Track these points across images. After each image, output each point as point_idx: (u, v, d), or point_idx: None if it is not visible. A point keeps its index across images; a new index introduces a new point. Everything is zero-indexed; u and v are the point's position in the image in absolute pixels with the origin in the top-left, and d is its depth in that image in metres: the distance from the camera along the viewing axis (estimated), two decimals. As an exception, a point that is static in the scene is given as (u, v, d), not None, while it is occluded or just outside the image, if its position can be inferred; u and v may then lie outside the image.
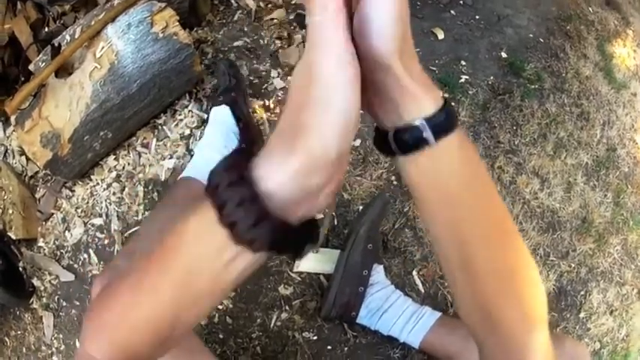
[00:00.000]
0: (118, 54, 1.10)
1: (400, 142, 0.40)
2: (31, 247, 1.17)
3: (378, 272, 1.07)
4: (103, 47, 1.12)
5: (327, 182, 0.34)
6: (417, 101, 0.39)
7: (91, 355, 0.43)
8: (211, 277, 0.37)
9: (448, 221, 0.43)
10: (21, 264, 1.15)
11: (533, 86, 1.39)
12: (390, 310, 1.03)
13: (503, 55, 1.43)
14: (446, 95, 1.33)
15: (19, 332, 1.14)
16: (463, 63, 1.39)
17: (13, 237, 1.13)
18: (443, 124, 0.39)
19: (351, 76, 0.33)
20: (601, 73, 1.48)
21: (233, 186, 0.33)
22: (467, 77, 1.37)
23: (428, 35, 1.39)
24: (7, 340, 1.14)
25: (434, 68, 1.36)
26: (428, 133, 0.39)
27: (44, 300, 1.13)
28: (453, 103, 0.39)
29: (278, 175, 0.32)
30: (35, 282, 1.14)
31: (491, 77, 1.39)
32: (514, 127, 1.33)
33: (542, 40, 1.51)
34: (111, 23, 1.12)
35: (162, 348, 0.44)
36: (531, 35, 1.52)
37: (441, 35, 1.40)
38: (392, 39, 0.36)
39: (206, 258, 0.36)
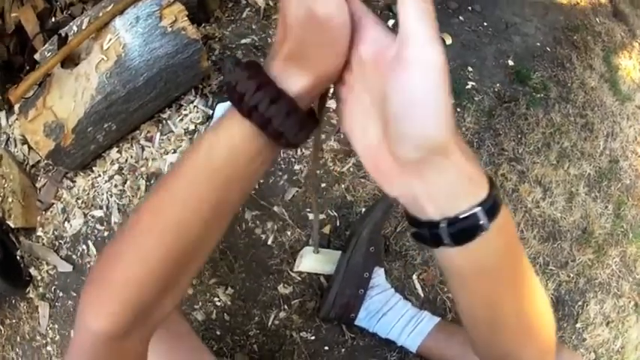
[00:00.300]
0: (126, 47, 1.09)
1: (453, 234, 0.36)
2: (30, 237, 1.16)
3: (379, 275, 1.07)
4: (110, 39, 1.11)
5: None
6: (475, 186, 0.36)
7: (92, 329, 0.42)
8: (245, 184, 0.42)
9: (485, 295, 0.42)
10: (19, 253, 1.14)
11: (538, 95, 1.39)
12: (389, 313, 1.03)
13: (510, 62, 1.43)
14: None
15: (14, 321, 1.13)
16: (470, 69, 1.39)
17: (12, 225, 1.12)
18: (495, 206, 0.36)
19: None
20: (606, 85, 1.48)
21: (262, 89, 0.37)
22: (473, 83, 1.37)
23: (436, 40, 1.39)
24: (1, 328, 1.13)
25: (440, 73, 1.36)
26: (484, 220, 0.36)
27: (41, 290, 1.12)
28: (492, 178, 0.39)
29: (302, 82, 0.38)
30: (32, 271, 1.13)
31: (498, 84, 1.39)
32: (518, 135, 1.33)
33: (549, 49, 1.51)
34: (119, 16, 1.11)
35: (173, 295, 0.45)
36: (538, 44, 1.52)
37: (449, 41, 1.40)
38: (448, 118, 0.33)
39: (241, 166, 0.40)
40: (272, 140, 0.39)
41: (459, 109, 1.32)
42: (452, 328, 1.02)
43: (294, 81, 0.37)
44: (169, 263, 0.42)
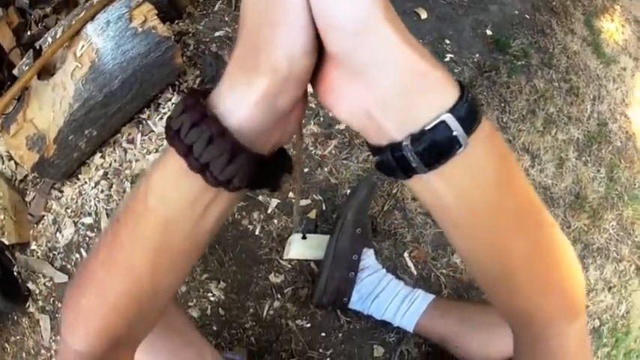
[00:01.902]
0: (98, 52, 1.08)
1: (422, 152, 0.30)
2: (24, 251, 1.16)
3: (369, 256, 1.05)
4: (83, 46, 1.10)
5: (294, 101, 0.31)
6: (433, 85, 0.29)
7: (73, 348, 0.40)
8: (188, 231, 0.35)
9: (485, 231, 0.35)
10: (15, 269, 1.13)
11: (519, 62, 1.35)
12: (382, 294, 1.01)
13: (489, 32, 1.40)
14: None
15: (18, 337, 1.13)
16: (447, 42, 1.36)
17: (6, 242, 1.12)
18: (471, 113, 0.29)
19: None
20: (589, 48, 1.44)
21: (198, 126, 0.30)
22: (452, 56, 1.34)
23: (411, 15, 1.36)
24: (7, 346, 1.13)
25: (418, 50, 1.33)
26: (458, 130, 0.29)
27: (40, 303, 1.12)
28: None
29: (244, 104, 0.30)
30: (30, 285, 1.13)
31: (477, 55, 1.35)
32: (502, 104, 1.29)
33: (527, 17, 1.47)
34: (90, 22, 1.10)
35: (145, 324, 0.41)
36: (516, 12, 1.48)
37: (424, 15, 1.37)
38: None
39: (180, 211, 0.33)
40: (198, 174, 0.32)
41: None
42: (447, 304, 1.00)
43: (238, 93, 0.30)
44: (129, 300, 0.38)
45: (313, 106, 1.24)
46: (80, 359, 0.40)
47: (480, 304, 1.04)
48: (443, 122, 0.28)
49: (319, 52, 0.30)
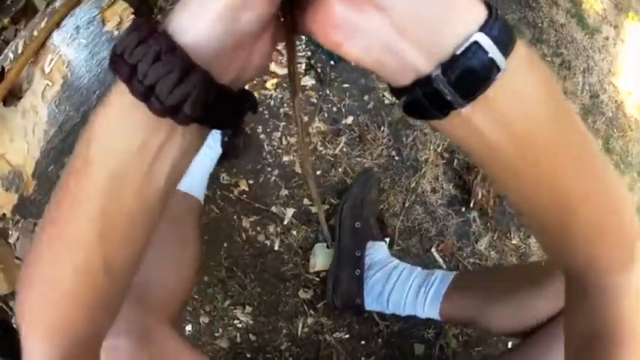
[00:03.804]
0: (70, 64, 0.86)
1: (456, 82, 0.23)
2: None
3: (376, 250, 0.89)
4: (51, 60, 0.87)
5: (262, 21, 0.25)
6: (461, 4, 0.23)
7: (33, 351, 0.34)
8: (137, 186, 0.28)
9: (538, 169, 0.28)
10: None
11: (513, 40, 1.24)
12: (396, 288, 0.86)
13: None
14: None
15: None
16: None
17: (-4, 293, 0.91)
18: (505, 30, 0.24)
19: None
20: (574, 20, 1.35)
21: (144, 43, 0.24)
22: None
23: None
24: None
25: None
26: (494, 51, 0.23)
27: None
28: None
29: (200, 19, 0.24)
30: (26, 335, 0.93)
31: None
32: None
33: (511, -10, 1.36)
34: (56, 30, 0.88)
35: (105, 311, 0.34)
36: (500, -14, 1.36)
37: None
38: None
39: (126, 160, 0.27)
40: (142, 101, 0.25)
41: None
42: (468, 281, 0.84)
43: (195, 11, 0.24)
44: (82, 285, 0.31)
45: (315, 100, 1.08)
46: None
47: (501, 271, 0.94)
48: (475, 43, 0.23)
49: None
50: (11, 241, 0.95)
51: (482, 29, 0.23)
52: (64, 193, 0.30)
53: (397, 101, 0.27)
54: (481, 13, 0.24)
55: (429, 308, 0.84)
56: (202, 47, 0.24)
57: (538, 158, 0.28)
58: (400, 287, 0.86)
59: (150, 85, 0.24)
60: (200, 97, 0.25)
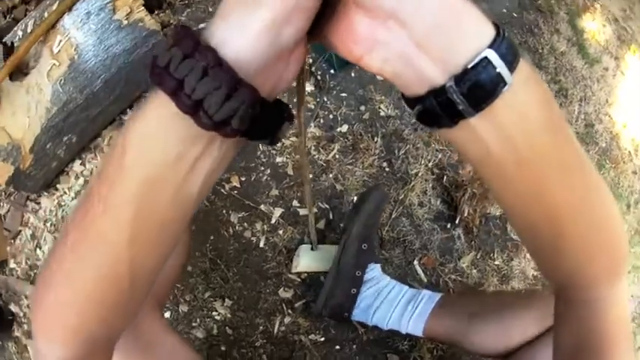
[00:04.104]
0: (78, 47, 0.88)
1: (467, 93, 0.25)
2: (3, 270, 0.96)
3: (373, 269, 0.91)
4: (60, 41, 0.89)
5: (299, 35, 0.25)
6: (472, 19, 0.25)
7: (44, 351, 0.33)
8: (172, 194, 0.28)
9: (532, 182, 0.30)
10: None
11: (513, 64, 1.25)
12: (382, 305, 0.88)
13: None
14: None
15: (31, 309, 0.93)
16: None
17: (-20, 261, 0.92)
18: (511, 49, 0.26)
19: None
20: (574, 48, 1.36)
21: (191, 57, 0.24)
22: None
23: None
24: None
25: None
26: (501, 67, 0.25)
27: (25, 327, 0.94)
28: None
29: (245, 34, 0.24)
30: (13, 308, 0.94)
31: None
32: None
33: (515, 15, 1.37)
34: (68, 13, 0.89)
35: (123, 317, 0.34)
36: (505, 10, 1.38)
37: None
38: None
39: (163, 168, 0.27)
40: (189, 116, 0.25)
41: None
42: (454, 300, 0.88)
43: (239, 25, 0.24)
44: (103, 291, 0.31)
45: (312, 106, 1.09)
46: None
47: (486, 294, 0.95)
48: (485, 58, 0.25)
49: None
50: (2, 212, 0.96)
51: (491, 46, 0.25)
52: (94, 198, 0.29)
53: (410, 110, 0.28)
54: (490, 32, 0.25)
55: (413, 325, 0.86)
56: (247, 61, 0.24)
57: (533, 169, 0.30)
58: (388, 304, 0.88)
59: (198, 100, 0.24)
60: (247, 111, 0.25)
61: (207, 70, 0.24)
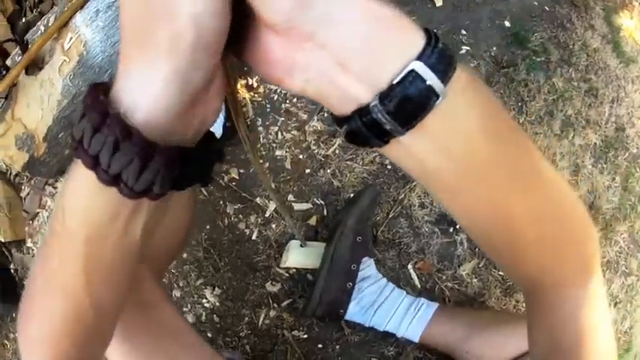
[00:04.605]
0: (87, 44, 0.92)
1: (394, 111, 0.23)
2: (20, 249, 1.04)
3: (368, 266, 0.91)
4: (71, 38, 0.93)
5: (210, 73, 0.24)
6: (397, 32, 0.23)
7: None
8: (115, 246, 0.29)
9: (478, 191, 0.29)
10: (12, 266, 1.02)
11: (539, 59, 1.16)
12: (385, 304, 0.88)
13: (507, 24, 1.19)
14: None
15: (17, 334, 1.02)
16: (464, 32, 1.16)
17: (2, 240, 1.00)
18: (443, 57, 0.23)
19: None
20: (609, 46, 1.23)
21: (100, 131, 0.23)
22: (468, 48, 1.14)
23: (425, 2, 1.16)
24: (7, 342, 1.03)
25: (432, 40, 1.13)
26: (431, 78, 0.23)
27: (36, 299, 1.01)
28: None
29: (149, 91, 0.23)
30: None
31: (494, 48, 1.16)
32: (519, 104, 1.11)
33: (547, 9, 1.26)
34: (80, 11, 0.93)
35: (97, 343, 0.37)
36: (536, 3, 1.26)
37: (439, 2, 1.17)
38: None
39: (100, 228, 0.27)
40: (110, 186, 0.25)
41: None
42: (453, 311, 0.88)
43: (142, 82, 0.23)
44: (73, 323, 0.33)
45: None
46: None
47: (484, 309, 0.93)
48: (412, 71, 0.22)
49: (241, 14, 0.23)
50: (22, 194, 1.04)
51: (419, 57, 0.23)
52: (48, 250, 0.31)
53: (339, 129, 0.27)
54: (418, 41, 0.23)
55: (411, 329, 0.86)
56: (158, 124, 0.24)
57: (478, 181, 0.28)
58: (389, 304, 0.87)
59: (115, 174, 0.24)
60: (166, 176, 0.25)
61: (119, 144, 0.23)
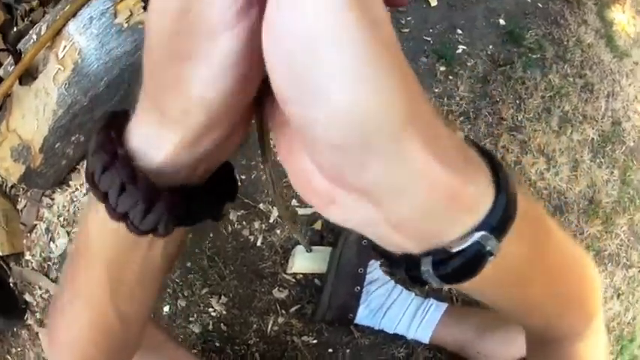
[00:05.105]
0: (81, 52, 0.89)
1: (445, 275, 0.21)
2: (19, 262, 1.00)
3: (376, 269, 0.90)
4: (65, 46, 0.90)
5: (223, 139, 0.23)
6: (465, 202, 0.19)
7: None
8: (137, 268, 0.30)
9: (510, 297, 0.29)
10: (11, 280, 0.98)
11: (534, 56, 1.15)
12: (394, 306, 0.87)
13: (502, 22, 1.19)
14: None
15: (18, 349, 0.99)
16: (459, 32, 1.15)
17: (0, 253, 0.96)
18: (506, 212, 0.20)
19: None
20: (602, 41, 1.23)
21: (108, 169, 0.23)
22: (464, 47, 1.13)
23: (420, 2, 1.15)
24: (8, 357, 1.00)
25: (428, 38, 1.13)
26: (492, 244, 0.20)
27: (38, 316, 0.98)
28: (497, 159, 0.23)
29: (159, 152, 0.23)
30: (27, 297, 0.99)
31: (491, 47, 1.15)
32: (517, 101, 1.11)
33: (540, 5, 1.26)
34: (72, 18, 0.90)
35: (124, 352, 0.38)
36: (529, 0, 1.26)
37: (434, 2, 1.16)
38: (376, 74, 0.15)
39: (123, 253, 0.28)
40: (120, 222, 0.25)
41: (451, 77, 1.10)
42: (462, 311, 0.88)
43: (153, 140, 0.23)
44: (100, 334, 0.34)
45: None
46: None
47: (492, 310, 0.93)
48: (476, 242, 0.20)
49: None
50: (19, 207, 1.01)
51: (483, 225, 0.20)
52: (75, 267, 0.32)
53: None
54: (486, 204, 0.20)
55: (421, 331, 0.85)
56: (166, 171, 0.23)
57: (512, 291, 0.28)
58: (398, 306, 0.86)
59: (123, 213, 0.24)
60: (171, 219, 0.25)
61: (125, 185, 0.23)
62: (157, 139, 0.22)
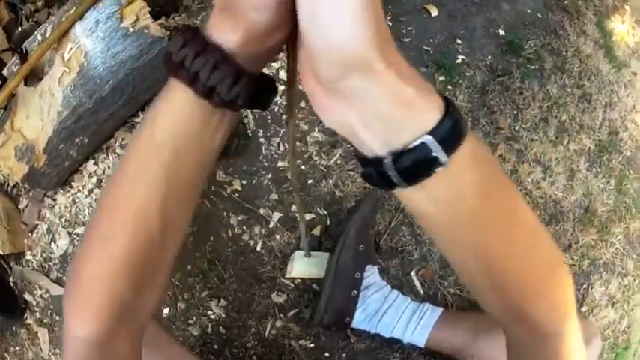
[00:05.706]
0: (87, 55, 0.89)
1: (402, 170, 0.28)
2: (20, 261, 1.00)
3: (373, 273, 0.90)
4: (71, 49, 0.91)
5: (280, 38, 0.30)
6: (416, 110, 0.27)
7: (78, 334, 0.36)
8: (197, 157, 0.34)
9: (470, 243, 0.33)
10: (11, 279, 0.98)
11: (533, 66, 1.16)
12: (390, 310, 0.87)
13: (501, 32, 1.19)
14: (442, 85, 1.10)
15: (17, 348, 0.99)
16: (459, 42, 1.16)
17: (0, 252, 0.96)
18: (453, 133, 0.27)
19: None
20: (601, 52, 1.24)
21: (201, 55, 0.29)
22: (463, 57, 1.14)
23: (421, 12, 1.16)
24: (7, 356, 1.00)
25: (428, 48, 1.13)
26: (438, 151, 0.27)
27: (37, 315, 0.98)
28: (452, 98, 0.39)
29: (233, 42, 0.29)
30: (27, 297, 0.99)
31: (489, 57, 1.16)
32: (514, 112, 1.11)
33: (540, 16, 1.27)
34: (79, 21, 0.91)
35: (152, 286, 0.37)
36: (529, 11, 1.27)
37: (434, 12, 1.17)
38: (365, 22, 0.24)
39: (189, 139, 0.32)
40: (205, 99, 0.31)
41: (449, 87, 1.11)
42: (457, 315, 0.89)
43: (226, 35, 0.29)
44: (136, 253, 0.34)
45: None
46: (86, 347, 0.36)
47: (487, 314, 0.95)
48: (423, 144, 0.27)
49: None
50: (21, 207, 1.01)
51: (432, 132, 0.27)
52: (125, 170, 0.34)
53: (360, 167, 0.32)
54: (434, 117, 0.27)
55: (417, 334, 0.85)
56: (240, 57, 0.30)
57: (468, 231, 0.32)
58: (394, 311, 0.87)
59: (211, 87, 0.30)
60: (249, 91, 0.31)
61: (217, 64, 0.29)
62: (229, 36, 0.28)
